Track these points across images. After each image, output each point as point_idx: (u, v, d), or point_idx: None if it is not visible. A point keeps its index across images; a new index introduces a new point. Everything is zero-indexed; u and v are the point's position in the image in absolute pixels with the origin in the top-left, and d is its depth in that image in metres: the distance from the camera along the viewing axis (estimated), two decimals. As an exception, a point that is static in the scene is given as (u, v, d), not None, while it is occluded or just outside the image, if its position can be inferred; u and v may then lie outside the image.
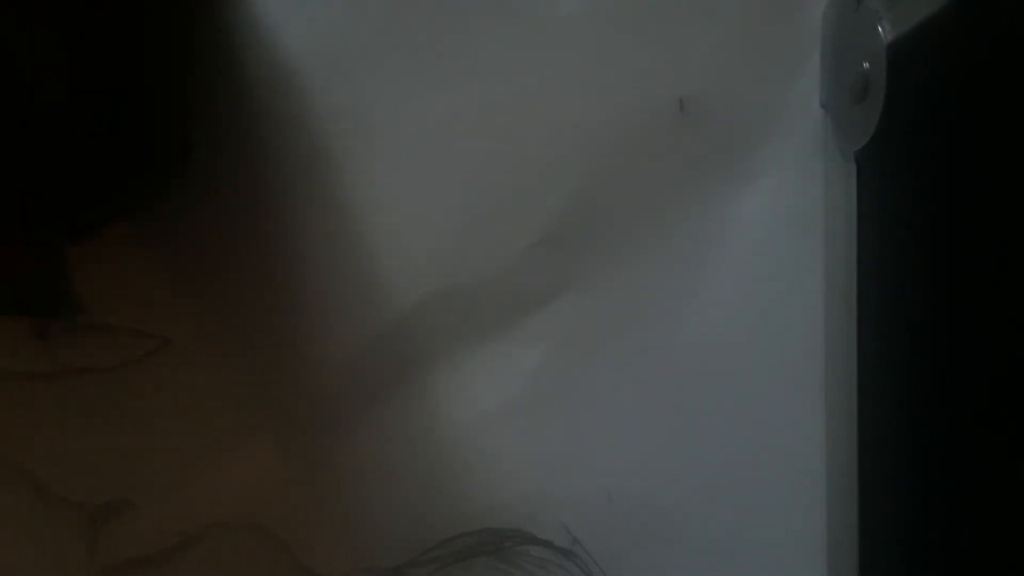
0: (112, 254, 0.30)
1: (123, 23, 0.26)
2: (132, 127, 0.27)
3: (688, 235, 0.32)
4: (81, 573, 0.30)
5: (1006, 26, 0.26)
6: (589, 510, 0.31)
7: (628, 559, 0.31)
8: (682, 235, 0.32)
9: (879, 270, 0.29)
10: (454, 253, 0.31)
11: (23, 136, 0.25)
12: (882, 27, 0.27)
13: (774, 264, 0.32)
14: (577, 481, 0.31)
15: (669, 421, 0.31)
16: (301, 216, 0.31)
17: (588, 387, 0.31)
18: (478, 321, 0.31)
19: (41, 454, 0.30)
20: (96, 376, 0.30)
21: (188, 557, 0.30)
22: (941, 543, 0.28)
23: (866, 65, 0.28)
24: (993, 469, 0.28)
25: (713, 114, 0.32)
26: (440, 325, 0.31)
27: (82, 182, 0.27)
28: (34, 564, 0.30)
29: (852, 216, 0.29)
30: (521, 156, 0.31)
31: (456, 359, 0.31)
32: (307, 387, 0.31)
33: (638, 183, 0.32)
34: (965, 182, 0.27)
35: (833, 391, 0.31)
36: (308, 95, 0.31)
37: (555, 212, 0.31)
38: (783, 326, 0.31)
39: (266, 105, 0.31)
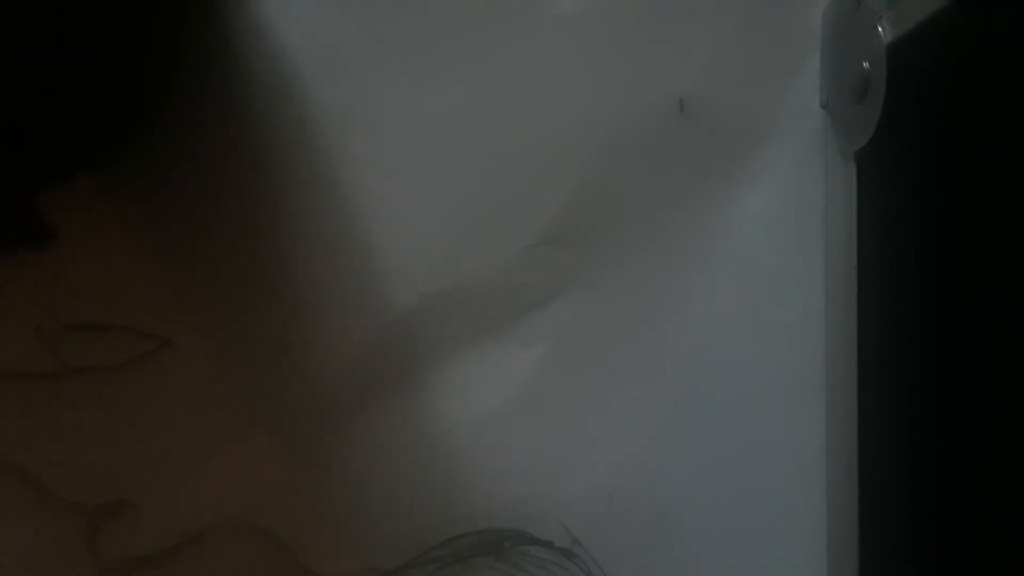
0: (112, 253, 0.30)
1: None
2: (98, 79, 0.27)
3: (688, 235, 0.32)
4: (81, 573, 0.30)
5: (1006, 26, 0.26)
6: (589, 510, 0.31)
7: (628, 559, 0.31)
8: (682, 235, 0.32)
9: (879, 270, 0.29)
10: (454, 253, 0.31)
11: None
12: (882, 27, 0.27)
13: (774, 264, 0.32)
14: (577, 481, 0.31)
15: (669, 421, 0.31)
16: (302, 216, 0.31)
17: (588, 387, 0.31)
18: (478, 321, 0.31)
19: (41, 454, 0.30)
20: (96, 376, 0.30)
21: (188, 557, 0.30)
22: (941, 543, 0.28)
23: (866, 65, 0.28)
24: (993, 469, 0.28)
25: (713, 114, 0.32)
26: (440, 325, 0.31)
27: (44, 127, 0.27)
28: (34, 564, 0.30)
29: (852, 216, 0.29)
30: (521, 156, 0.31)
31: (456, 359, 0.31)
32: (307, 387, 0.31)
33: (638, 183, 0.32)
34: (965, 182, 0.27)
35: (833, 391, 0.31)
36: (308, 95, 0.31)
37: (555, 212, 0.31)
38: (783, 326, 0.31)
39: (266, 105, 0.31)
